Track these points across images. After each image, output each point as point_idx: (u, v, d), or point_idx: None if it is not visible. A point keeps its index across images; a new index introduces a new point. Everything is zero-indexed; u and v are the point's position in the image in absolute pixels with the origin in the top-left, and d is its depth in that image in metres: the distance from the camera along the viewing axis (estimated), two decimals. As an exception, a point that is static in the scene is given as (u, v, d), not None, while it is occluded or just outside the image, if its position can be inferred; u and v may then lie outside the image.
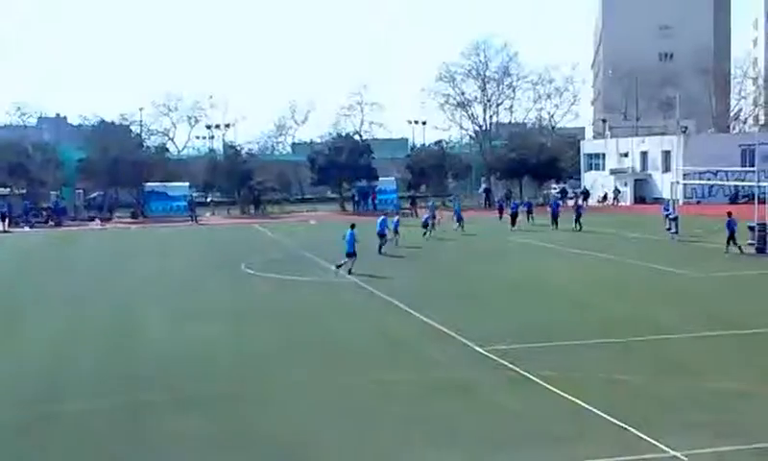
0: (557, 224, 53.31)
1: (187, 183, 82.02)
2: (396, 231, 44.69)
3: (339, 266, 34.67)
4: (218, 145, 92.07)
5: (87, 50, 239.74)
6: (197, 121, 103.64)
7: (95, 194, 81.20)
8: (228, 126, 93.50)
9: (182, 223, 70.17)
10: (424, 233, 48.97)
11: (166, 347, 22.07)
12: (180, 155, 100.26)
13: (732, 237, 38.55)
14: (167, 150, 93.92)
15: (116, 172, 77.46)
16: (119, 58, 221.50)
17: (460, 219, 54.27)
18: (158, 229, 65.19)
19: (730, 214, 39.59)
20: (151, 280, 35.10)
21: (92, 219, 72.69)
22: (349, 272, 34.03)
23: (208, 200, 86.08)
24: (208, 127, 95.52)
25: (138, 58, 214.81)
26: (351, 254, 34.54)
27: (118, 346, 22.36)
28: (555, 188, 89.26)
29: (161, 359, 20.58)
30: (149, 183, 79.62)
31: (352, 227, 35.57)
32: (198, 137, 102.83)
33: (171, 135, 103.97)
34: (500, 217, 60.72)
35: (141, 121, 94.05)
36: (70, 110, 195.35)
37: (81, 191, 79.43)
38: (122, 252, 47.83)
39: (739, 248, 38.12)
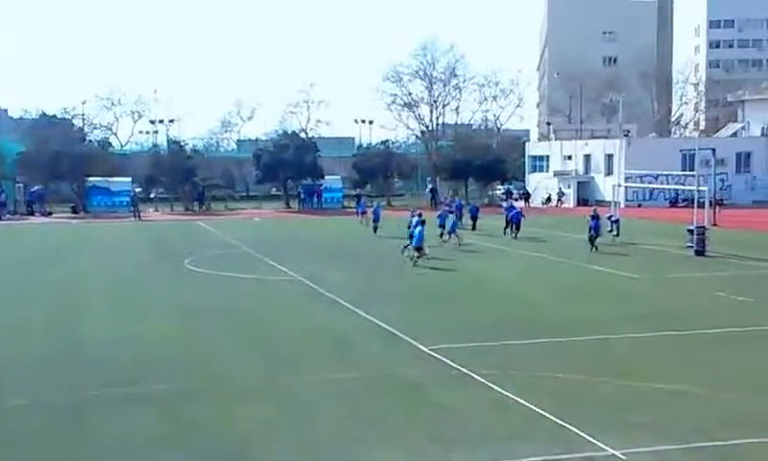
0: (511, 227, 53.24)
1: (130, 179, 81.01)
2: (451, 233, 44.04)
3: (414, 260, 35.98)
4: (162, 140, 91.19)
5: (29, 42, 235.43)
6: (140, 116, 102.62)
7: (35, 188, 79.80)
8: (172, 121, 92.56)
9: (125, 218, 69.27)
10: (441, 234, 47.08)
11: (108, 344, 21.73)
12: (123, 149, 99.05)
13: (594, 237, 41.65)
14: (110, 144, 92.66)
15: (57, 166, 76.09)
16: (62, 51, 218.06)
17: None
18: (100, 224, 64.30)
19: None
20: (92, 277, 34.58)
21: (32, 213, 71.43)
22: (414, 263, 35.66)
23: (152, 196, 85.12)
24: (152, 122, 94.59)
25: (82, 51, 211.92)
26: (420, 249, 36.03)
27: (59, 343, 22.00)
28: (500, 189, 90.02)
29: (103, 356, 20.28)
30: (91, 178, 78.42)
31: (423, 222, 37.27)
32: (141, 132, 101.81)
33: (114, 130, 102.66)
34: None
35: (84, 115, 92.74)
36: (11, 103, 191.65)
37: (21, 185, 78.00)
38: (64, 247, 47.04)
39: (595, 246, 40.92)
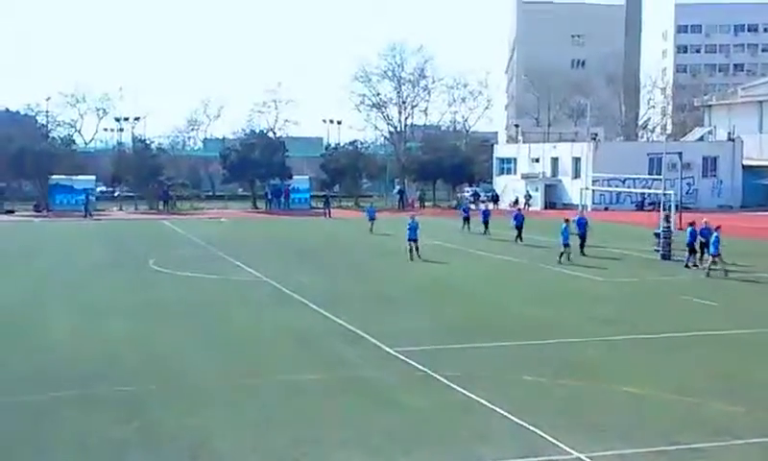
0: (469, 226, 53.38)
1: (94, 177, 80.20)
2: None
3: (560, 256, 37.29)
4: (127, 138, 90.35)
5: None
6: (105, 113, 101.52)
7: (-2, 185, 78.84)
8: (137, 119, 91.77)
9: (96, 217, 68.63)
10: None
11: (68, 345, 21.39)
12: (88, 147, 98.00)
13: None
14: (74, 142, 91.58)
15: (20, 163, 75.20)
16: (26, 47, 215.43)
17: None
18: (63, 223, 63.54)
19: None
20: (54, 276, 34.15)
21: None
22: (559, 261, 36.96)
23: (116, 194, 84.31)
24: (117, 119, 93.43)
25: (46, 47, 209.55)
26: (567, 245, 37.35)
27: (18, 344, 21.59)
28: (468, 191, 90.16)
29: (63, 358, 19.93)
30: (54, 176, 77.51)
31: (566, 221, 38.51)
32: (106, 130, 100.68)
33: (78, 127, 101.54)
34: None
35: (48, 112, 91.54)
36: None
37: (-18, 183, 76.99)
38: (26, 246, 46.48)
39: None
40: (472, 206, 65.42)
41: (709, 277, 33.11)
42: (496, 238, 48.22)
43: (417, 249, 38.78)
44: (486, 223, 52.15)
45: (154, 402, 16.45)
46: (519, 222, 46.71)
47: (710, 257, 33.89)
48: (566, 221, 38.73)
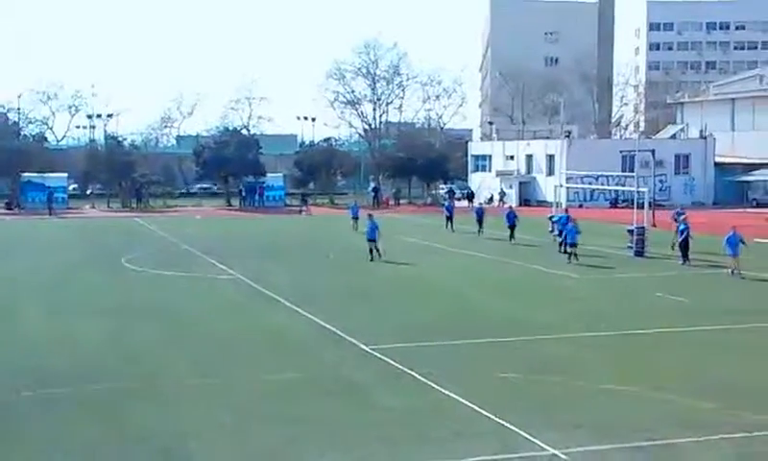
0: (452, 226, 53.15)
1: (66, 174, 79.57)
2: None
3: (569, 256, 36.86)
4: (99, 136, 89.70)
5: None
6: (78, 110, 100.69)
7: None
8: (110, 116, 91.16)
9: (62, 215, 68.00)
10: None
11: (41, 344, 21.20)
12: (60, 144, 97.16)
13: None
14: (46, 139, 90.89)
15: (-9, 160, 74.52)
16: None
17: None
18: (35, 220, 62.97)
19: (510, 207, 49.94)
20: (26, 275, 33.80)
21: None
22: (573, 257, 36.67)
23: (88, 192, 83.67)
24: (89, 116, 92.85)
25: (17, 44, 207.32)
26: (574, 245, 37.17)
27: (-13, 341, 21.34)
28: (443, 188, 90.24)
29: (36, 357, 19.74)
30: (26, 173, 76.82)
31: (569, 219, 38.33)
32: (78, 127, 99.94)
33: (50, 124, 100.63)
34: None
35: (19, 109, 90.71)
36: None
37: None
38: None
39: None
40: (457, 203, 64.91)
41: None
42: (488, 237, 48.05)
43: (377, 249, 37.58)
44: (480, 221, 50.25)
45: (126, 402, 16.31)
46: (512, 221, 46.26)
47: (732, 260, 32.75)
48: (569, 219, 38.57)
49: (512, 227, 45.93)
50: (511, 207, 52.14)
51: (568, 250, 37.35)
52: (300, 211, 70.72)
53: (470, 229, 50.38)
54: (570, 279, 33.00)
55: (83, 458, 13.53)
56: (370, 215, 41.51)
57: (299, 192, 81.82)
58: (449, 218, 53.67)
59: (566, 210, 45.75)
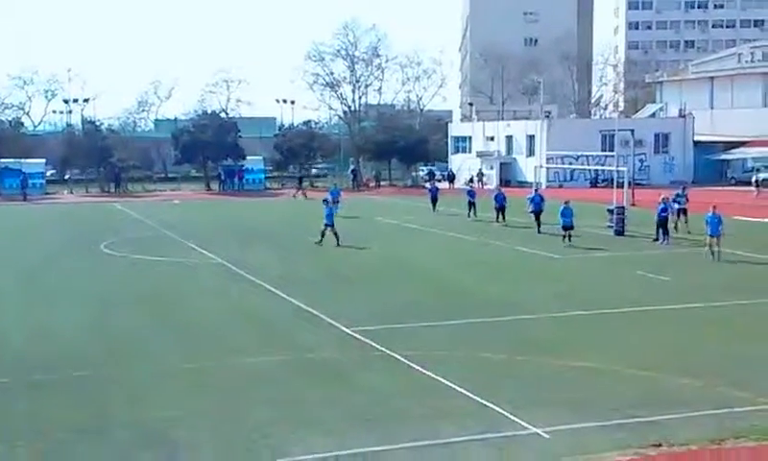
0: (435, 208, 52.94)
1: (43, 160, 78.90)
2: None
3: (566, 238, 36.37)
4: (76, 120, 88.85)
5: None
6: (54, 95, 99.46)
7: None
8: (87, 101, 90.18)
9: (39, 201, 67.51)
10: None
11: (20, 330, 21.01)
12: (36, 130, 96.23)
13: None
14: (22, 124, 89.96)
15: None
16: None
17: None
18: (12, 206, 62.48)
19: (500, 189, 49.17)
20: (3, 262, 33.48)
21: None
22: (564, 243, 36.16)
23: (66, 177, 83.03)
24: (66, 101, 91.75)
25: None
26: (569, 227, 36.48)
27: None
28: (423, 170, 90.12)
29: (15, 343, 19.59)
30: (2, 160, 76.13)
31: (566, 202, 37.37)
32: (55, 112, 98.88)
33: (26, 110, 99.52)
34: None
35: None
36: None
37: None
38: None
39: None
40: (438, 185, 64.54)
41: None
42: (452, 215, 48.11)
43: (336, 235, 36.15)
44: (472, 204, 48.94)
45: (109, 388, 16.19)
46: (501, 202, 45.57)
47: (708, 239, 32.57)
48: (566, 202, 37.86)
49: (501, 208, 45.47)
50: (500, 189, 51.27)
51: (563, 233, 36.68)
52: (294, 195, 69.60)
53: (456, 211, 50.30)
54: (552, 259, 33.03)
55: (65, 445, 13.39)
56: (325, 200, 39.49)
57: (276, 175, 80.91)
58: (434, 201, 53.53)
59: (536, 190, 45.39)
